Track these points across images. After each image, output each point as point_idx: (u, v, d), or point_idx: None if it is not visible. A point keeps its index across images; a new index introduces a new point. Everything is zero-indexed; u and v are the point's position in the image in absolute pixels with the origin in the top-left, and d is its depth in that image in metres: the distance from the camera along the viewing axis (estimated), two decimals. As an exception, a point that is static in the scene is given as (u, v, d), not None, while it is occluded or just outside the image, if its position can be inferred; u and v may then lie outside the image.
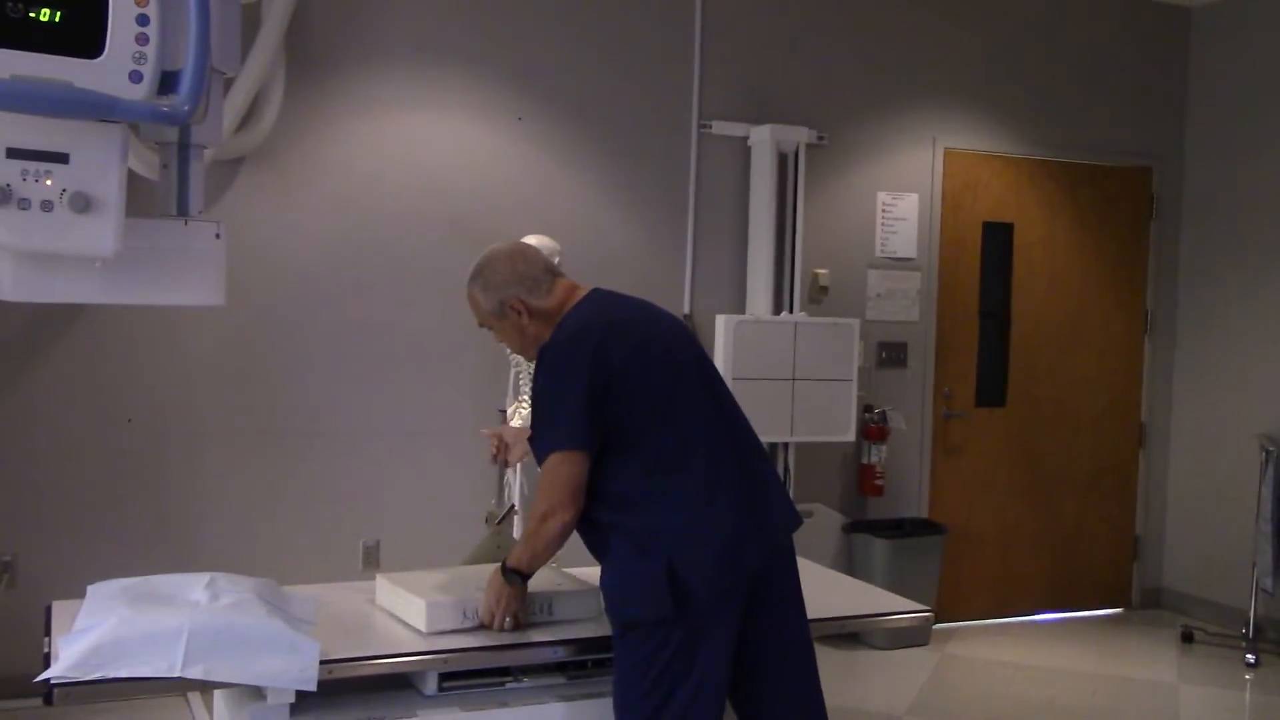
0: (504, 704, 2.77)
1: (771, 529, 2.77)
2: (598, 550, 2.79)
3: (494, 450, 3.24)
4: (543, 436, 2.72)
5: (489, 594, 2.80)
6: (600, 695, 2.82)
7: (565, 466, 2.67)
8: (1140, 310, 6.61)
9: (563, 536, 2.73)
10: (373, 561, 4.96)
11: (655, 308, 2.95)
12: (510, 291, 2.81)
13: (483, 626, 2.82)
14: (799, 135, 5.56)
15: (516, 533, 3.48)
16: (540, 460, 2.74)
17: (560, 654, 2.84)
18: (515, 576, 2.78)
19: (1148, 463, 6.65)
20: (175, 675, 2.43)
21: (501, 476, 3.34)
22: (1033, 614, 6.41)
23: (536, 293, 2.82)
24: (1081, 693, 5.20)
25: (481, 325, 2.93)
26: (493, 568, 2.84)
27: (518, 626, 2.81)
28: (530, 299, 2.81)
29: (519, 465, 4.19)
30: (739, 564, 2.67)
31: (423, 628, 2.82)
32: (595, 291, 2.89)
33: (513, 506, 3.38)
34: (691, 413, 2.75)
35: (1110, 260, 6.53)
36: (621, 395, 2.68)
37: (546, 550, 2.76)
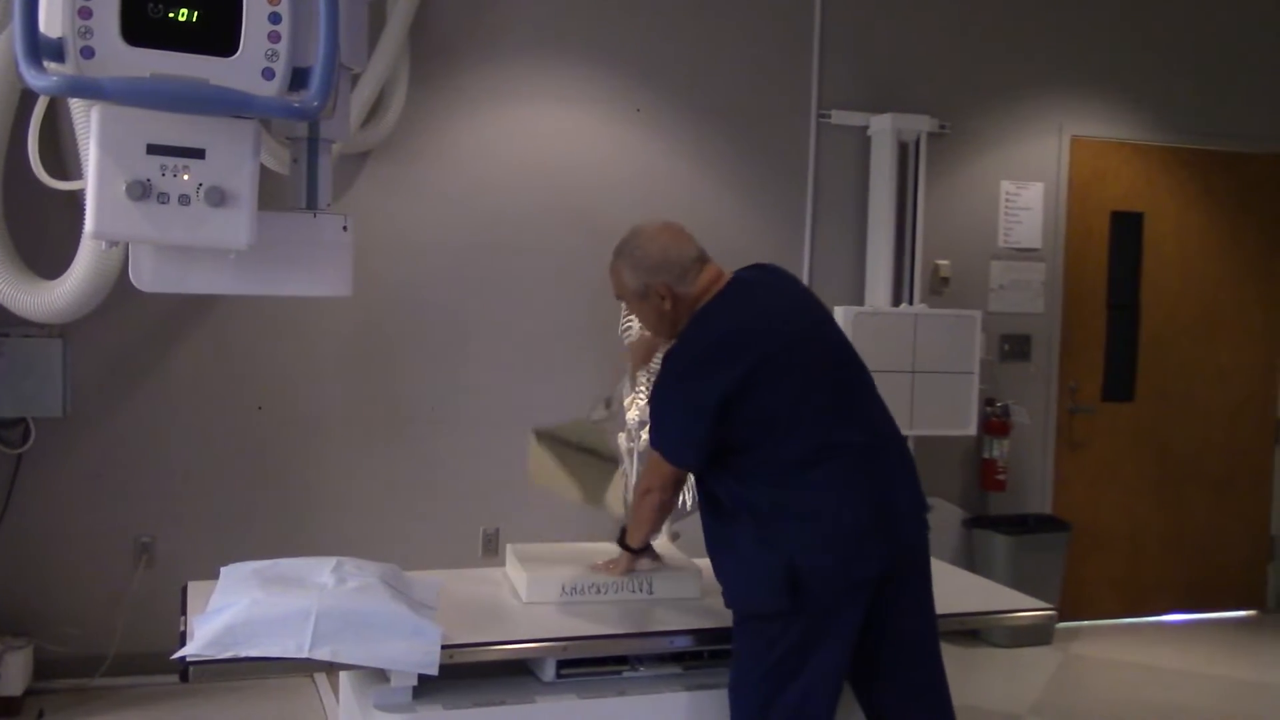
0: (621, 692, 2.79)
1: (898, 534, 2.72)
2: (718, 540, 2.77)
3: None
4: (658, 439, 2.79)
5: (613, 564, 3.13)
6: (717, 686, 2.82)
7: (668, 468, 2.81)
8: (1278, 302, 6.36)
9: (660, 513, 2.94)
10: (492, 549, 5.03)
11: (796, 297, 2.87)
12: (659, 277, 2.77)
13: (579, 601, 3.03)
14: (920, 124, 5.47)
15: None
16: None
17: (677, 644, 2.85)
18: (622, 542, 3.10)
19: (1285, 460, 6.41)
20: (303, 656, 2.50)
21: (621, 390, 3.35)
22: (1161, 614, 6.22)
23: (684, 280, 2.78)
24: (1212, 697, 5.03)
25: (619, 298, 2.94)
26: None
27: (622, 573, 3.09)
28: (677, 286, 2.77)
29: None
30: (860, 569, 2.64)
31: (524, 597, 3.00)
32: (734, 283, 2.82)
33: (611, 403, 3.41)
34: (820, 416, 2.68)
35: (1248, 251, 6.29)
36: (744, 408, 2.64)
37: (645, 524, 2.99)
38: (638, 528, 3.03)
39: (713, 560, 2.80)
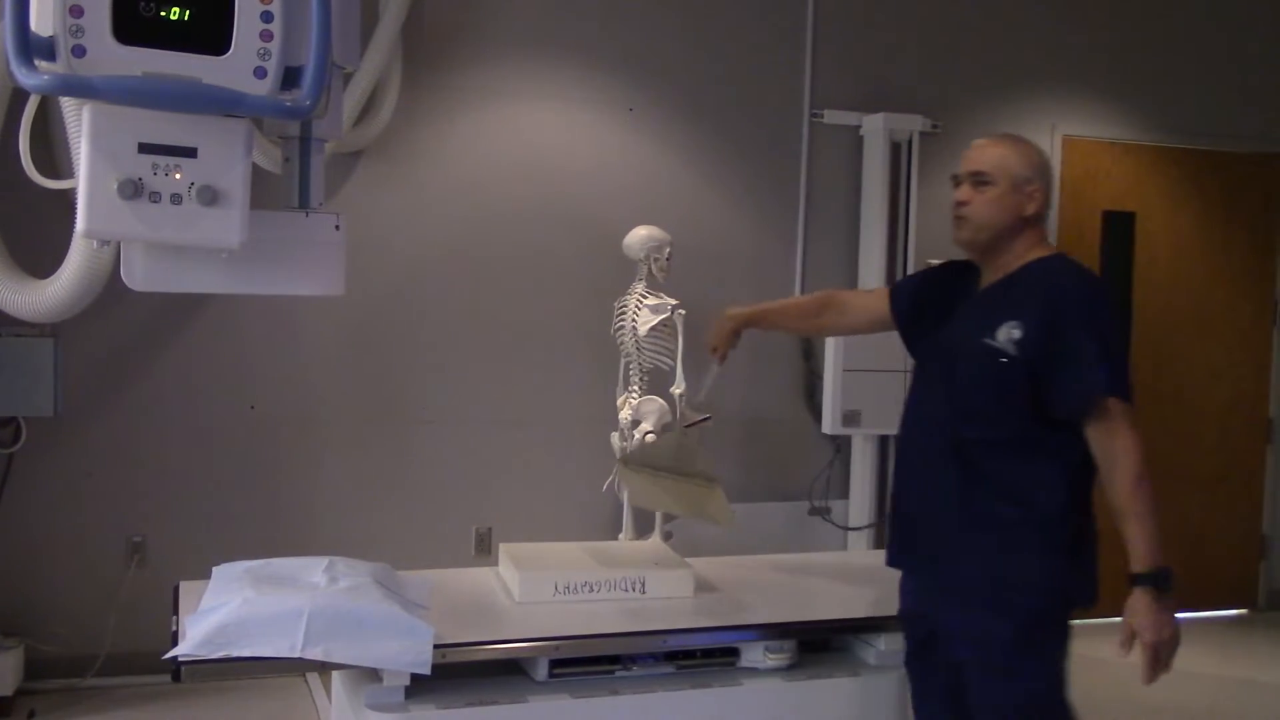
0: (614, 691, 2.79)
1: None
2: (1018, 534, 2.78)
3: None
4: (1119, 379, 2.58)
5: (1148, 624, 2.73)
6: (708, 686, 2.82)
7: (1133, 416, 2.61)
8: (1269, 301, 6.38)
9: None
10: (485, 548, 5.03)
11: None
12: (1043, 181, 2.81)
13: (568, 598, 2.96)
14: (913, 124, 5.47)
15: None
16: (1100, 395, 2.58)
17: (670, 643, 2.85)
18: (1163, 580, 2.71)
19: (1276, 459, 6.42)
20: (296, 656, 2.49)
21: (709, 379, 3.20)
22: (1153, 613, 6.22)
23: (1046, 205, 2.84)
24: (1203, 695, 5.04)
25: (974, 172, 2.79)
26: None
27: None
28: (1043, 203, 2.81)
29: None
30: None
31: (516, 597, 2.98)
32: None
33: (708, 417, 3.31)
34: None
35: (1238, 250, 6.31)
36: None
37: (1158, 522, 2.70)
38: (1149, 533, 2.73)
39: (987, 562, 2.76)
